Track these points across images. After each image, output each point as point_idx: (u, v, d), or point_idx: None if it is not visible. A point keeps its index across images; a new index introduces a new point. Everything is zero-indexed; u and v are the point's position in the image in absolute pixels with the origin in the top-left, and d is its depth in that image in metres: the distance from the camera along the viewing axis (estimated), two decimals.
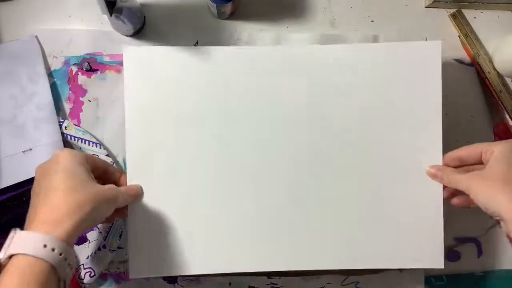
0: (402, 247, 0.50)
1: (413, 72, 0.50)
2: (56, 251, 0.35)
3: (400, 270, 0.55)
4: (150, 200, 0.50)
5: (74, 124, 0.54)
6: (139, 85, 0.51)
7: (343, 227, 0.50)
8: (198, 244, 0.50)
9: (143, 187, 0.51)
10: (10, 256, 0.35)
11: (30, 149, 0.53)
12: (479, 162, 0.46)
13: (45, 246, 0.35)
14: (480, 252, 0.57)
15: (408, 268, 0.51)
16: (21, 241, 0.35)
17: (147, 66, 0.51)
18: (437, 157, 0.50)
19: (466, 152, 0.47)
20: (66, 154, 0.42)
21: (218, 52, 0.51)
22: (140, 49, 0.52)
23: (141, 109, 0.51)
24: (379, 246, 0.50)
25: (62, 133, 0.54)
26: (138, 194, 0.49)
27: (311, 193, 0.51)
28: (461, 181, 0.45)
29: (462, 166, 0.48)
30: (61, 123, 0.54)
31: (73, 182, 0.39)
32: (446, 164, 0.49)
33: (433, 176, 0.49)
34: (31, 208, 0.40)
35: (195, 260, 0.50)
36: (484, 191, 0.42)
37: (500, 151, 0.43)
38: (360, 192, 0.50)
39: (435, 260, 0.50)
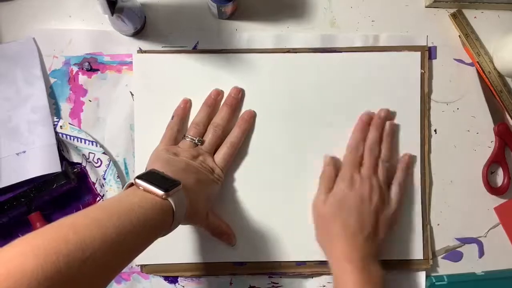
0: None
1: (395, 78, 0.55)
2: None
3: (400, 270, 0.55)
4: None
5: (70, 124, 0.54)
6: (147, 90, 0.55)
7: None
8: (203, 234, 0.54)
9: None
10: None
11: (24, 152, 0.53)
12: None
13: None
14: (481, 253, 0.57)
15: (390, 259, 0.54)
16: None
17: (156, 72, 0.55)
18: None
19: None
20: None
21: (222, 57, 0.55)
22: (150, 56, 0.55)
23: (149, 112, 0.55)
24: None
25: (58, 133, 0.54)
26: None
27: (307, 189, 0.54)
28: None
29: None
30: (56, 123, 0.54)
31: None
32: None
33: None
34: None
35: (198, 250, 0.54)
36: None
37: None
38: None
39: (415, 251, 0.55)
